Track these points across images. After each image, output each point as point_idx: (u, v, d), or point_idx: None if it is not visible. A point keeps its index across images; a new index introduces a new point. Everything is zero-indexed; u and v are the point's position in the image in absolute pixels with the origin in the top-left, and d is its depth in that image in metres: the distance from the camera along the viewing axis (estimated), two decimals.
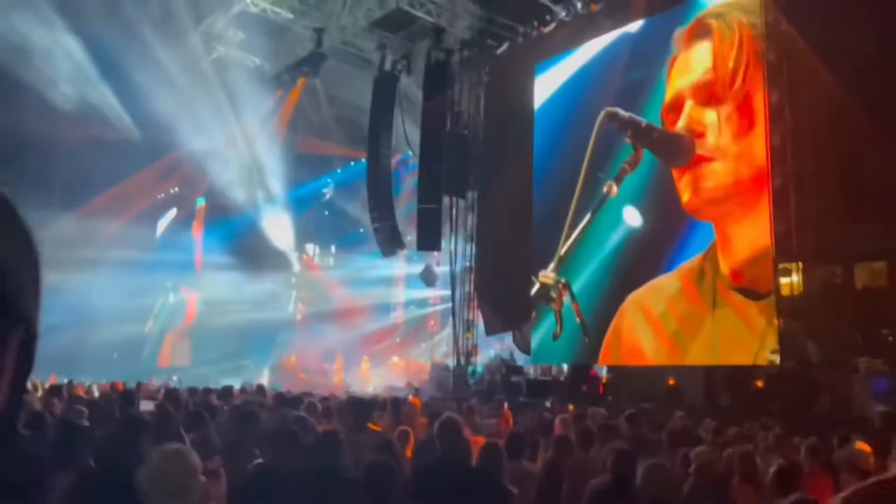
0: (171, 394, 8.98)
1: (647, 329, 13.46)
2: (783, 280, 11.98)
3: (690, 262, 12.92)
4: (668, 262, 13.14)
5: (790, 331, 11.48)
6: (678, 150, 13.02)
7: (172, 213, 28.07)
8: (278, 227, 26.37)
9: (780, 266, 11.86)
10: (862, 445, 5.04)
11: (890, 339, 11.48)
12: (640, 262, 13.53)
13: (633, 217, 13.82)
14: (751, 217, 12.13)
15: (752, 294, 11.91)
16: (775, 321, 11.45)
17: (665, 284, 13.26)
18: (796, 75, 11.53)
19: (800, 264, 12.21)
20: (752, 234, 12.10)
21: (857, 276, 12.54)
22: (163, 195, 28.32)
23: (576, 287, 14.66)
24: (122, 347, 27.16)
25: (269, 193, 24.77)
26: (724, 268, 12.37)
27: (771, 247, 11.63)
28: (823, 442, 5.72)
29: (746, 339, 11.79)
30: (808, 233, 11.49)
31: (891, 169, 9.75)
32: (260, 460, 3.91)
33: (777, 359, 11.25)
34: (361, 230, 24.31)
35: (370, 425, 5.57)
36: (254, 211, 25.77)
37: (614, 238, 14.07)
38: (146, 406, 7.09)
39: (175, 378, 14.29)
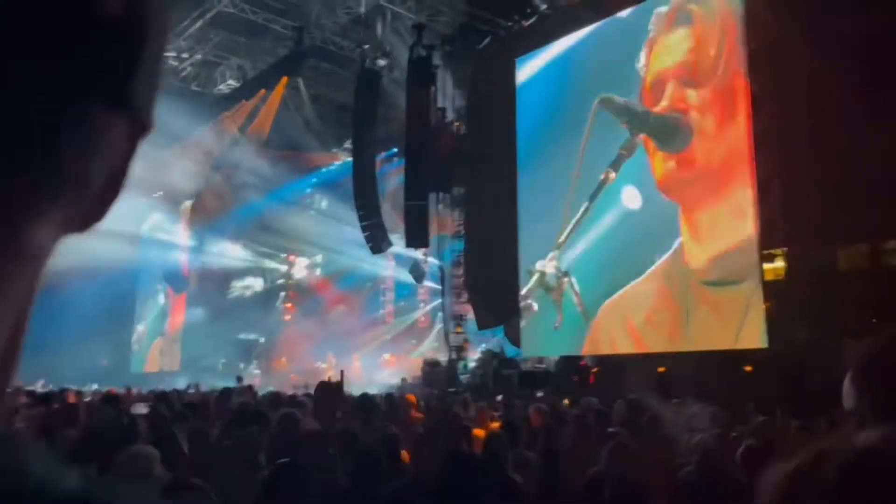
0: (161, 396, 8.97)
1: (625, 337, 13.77)
2: (767, 265, 12.14)
3: (660, 265, 13.17)
4: (668, 248, 13.26)
5: (777, 315, 11.64)
6: (675, 135, 13.17)
7: (156, 216, 27.91)
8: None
9: (765, 251, 12.03)
10: None
11: (874, 320, 11.66)
12: (641, 247, 13.61)
13: (632, 201, 13.91)
14: (724, 205, 12.35)
15: (726, 284, 12.17)
16: (752, 307, 11.71)
17: (639, 291, 13.49)
18: (778, 63, 11.65)
19: (785, 249, 12.37)
20: (725, 222, 12.32)
21: (840, 260, 12.72)
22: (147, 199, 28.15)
23: (576, 276, 14.78)
24: (110, 353, 26.98)
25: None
26: (696, 260, 12.63)
27: (755, 233, 11.84)
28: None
29: (723, 332, 12.09)
30: (792, 218, 11.65)
31: (871, 154, 9.90)
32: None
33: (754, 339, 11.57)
34: (349, 227, 24.23)
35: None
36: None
37: (614, 224, 14.18)
38: (139, 410, 7.08)
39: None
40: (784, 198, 11.58)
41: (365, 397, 5.97)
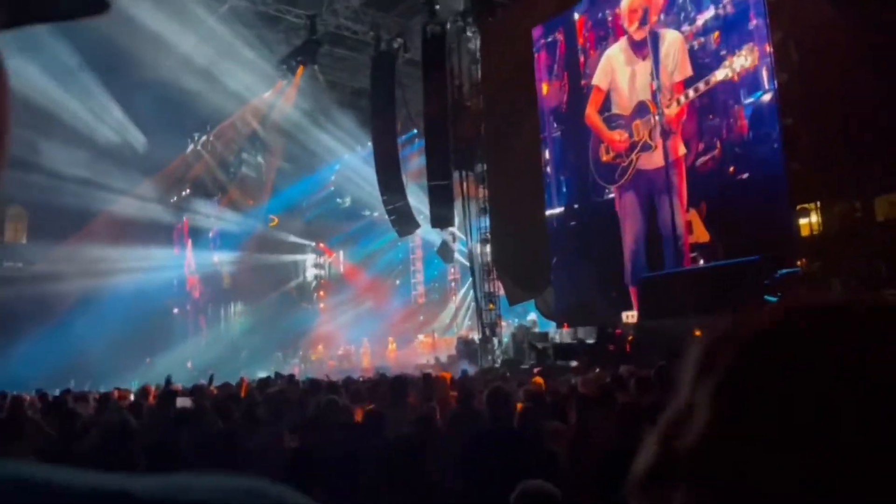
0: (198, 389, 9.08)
1: None
2: (802, 220, 11.88)
3: None
4: None
5: (812, 271, 11.40)
6: None
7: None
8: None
9: (798, 206, 11.76)
10: None
11: None
12: None
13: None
14: None
15: None
16: None
17: None
18: (799, 13, 11.31)
19: (818, 203, 12.07)
20: None
21: (877, 210, 12.37)
22: (175, 199, 28.58)
23: None
24: (154, 353, 27.62)
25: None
26: None
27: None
28: None
29: None
30: (822, 171, 11.35)
31: None
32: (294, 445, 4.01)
33: None
34: (369, 213, 24.31)
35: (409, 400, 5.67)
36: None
37: None
38: (183, 402, 7.20)
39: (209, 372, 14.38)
40: (813, 150, 11.28)
41: (397, 379, 6.03)
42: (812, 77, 11.25)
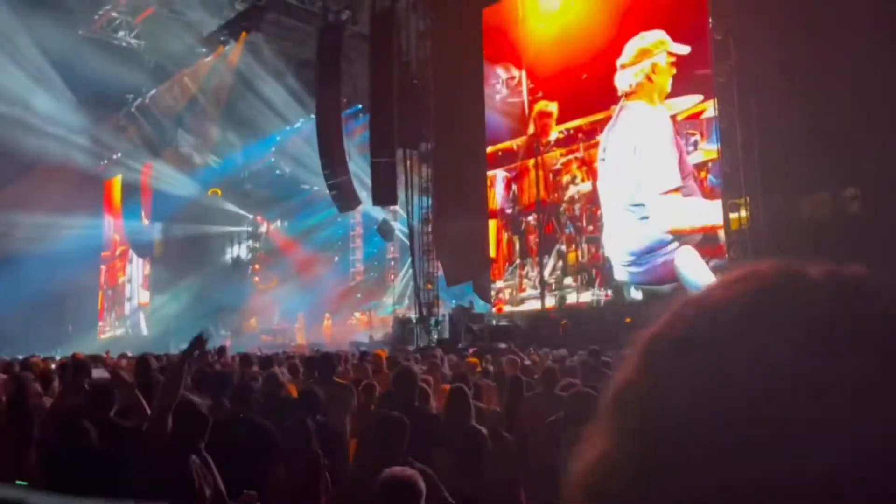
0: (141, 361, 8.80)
1: None
2: (732, 215, 12.30)
3: None
4: None
5: (739, 265, 11.82)
6: None
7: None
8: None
9: (729, 201, 12.17)
10: None
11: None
12: None
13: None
14: None
15: None
16: None
17: None
18: (742, 13, 11.62)
19: (747, 199, 12.52)
20: None
21: (802, 208, 12.90)
22: (105, 161, 27.52)
23: None
24: (76, 321, 26.66)
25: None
26: None
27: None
28: None
29: None
30: (753, 168, 11.76)
31: (832, 101, 9.99)
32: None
33: None
34: (309, 186, 23.92)
35: (336, 378, 5.62)
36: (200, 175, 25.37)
37: None
38: (100, 374, 6.92)
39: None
40: (746, 148, 11.68)
41: (326, 356, 5.97)
42: (750, 78, 11.60)
